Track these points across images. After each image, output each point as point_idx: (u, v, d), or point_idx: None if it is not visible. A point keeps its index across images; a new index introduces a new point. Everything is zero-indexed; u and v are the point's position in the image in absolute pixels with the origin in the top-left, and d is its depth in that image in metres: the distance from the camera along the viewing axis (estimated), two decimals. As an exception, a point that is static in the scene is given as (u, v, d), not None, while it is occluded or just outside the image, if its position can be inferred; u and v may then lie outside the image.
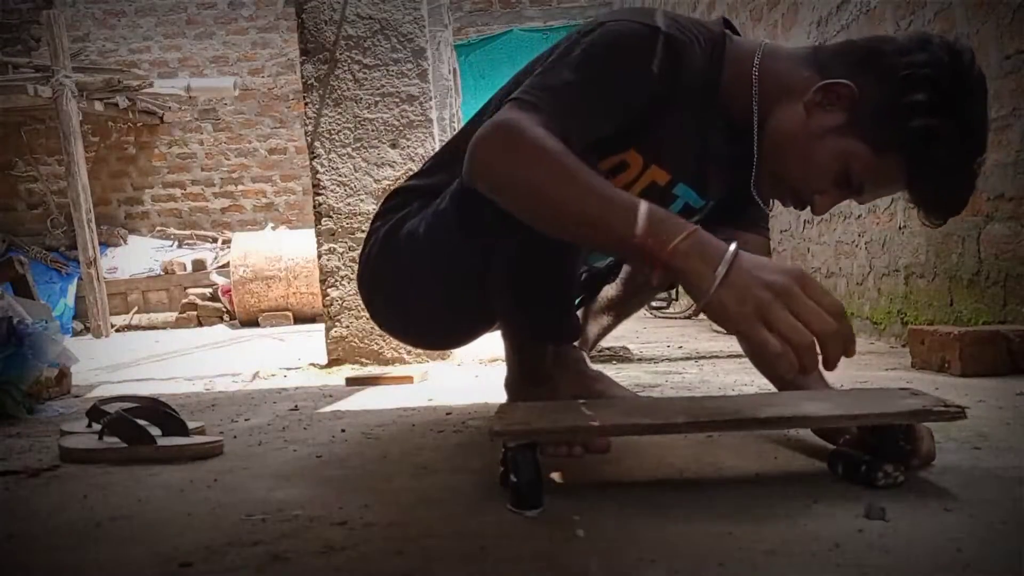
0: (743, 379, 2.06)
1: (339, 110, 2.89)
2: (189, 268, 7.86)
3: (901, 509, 0.90)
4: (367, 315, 1.59)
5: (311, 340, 4.31)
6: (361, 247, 1.52)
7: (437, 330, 1.51)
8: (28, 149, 8.57)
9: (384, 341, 2.85)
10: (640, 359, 2.72)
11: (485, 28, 8.70)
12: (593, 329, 1.70)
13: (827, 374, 1.11)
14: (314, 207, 2.93)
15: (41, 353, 2.20)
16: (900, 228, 2.74)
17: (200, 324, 7.31)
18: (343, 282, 2.89)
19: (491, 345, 1.75)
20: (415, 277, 1.38)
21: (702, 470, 1.17)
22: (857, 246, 3.10)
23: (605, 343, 2.59)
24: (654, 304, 5.17)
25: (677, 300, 5.23)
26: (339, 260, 2.90)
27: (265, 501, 1.11)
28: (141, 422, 1.46)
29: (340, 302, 2.90)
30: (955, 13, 2.35)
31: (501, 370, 1.49)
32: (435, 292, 1.37)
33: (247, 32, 8.77)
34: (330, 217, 2.91)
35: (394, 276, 1.42)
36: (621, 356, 2.71)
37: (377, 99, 2.89)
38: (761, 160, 1.24)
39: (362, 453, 1.41)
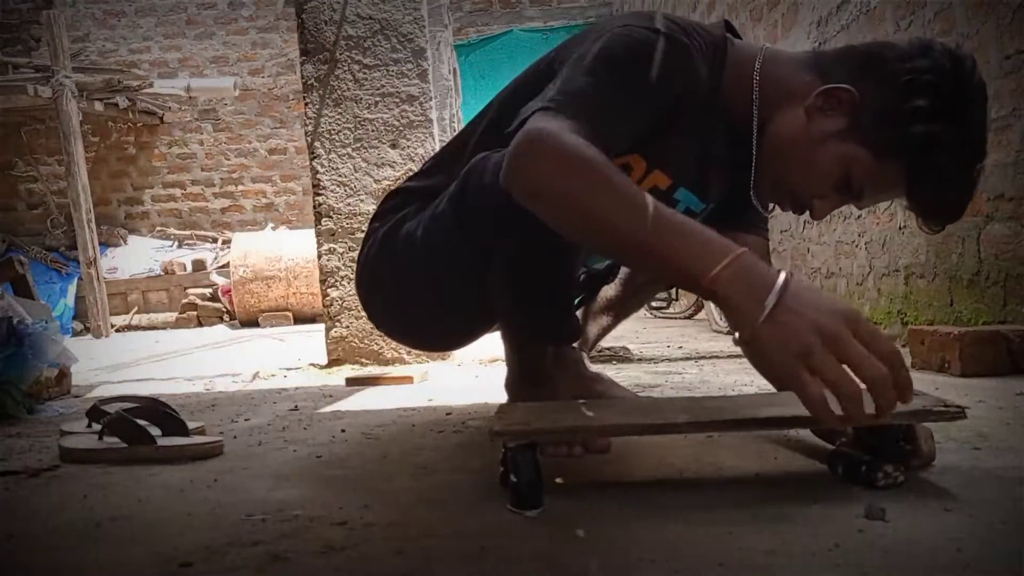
0: (743, 379, 2.06)
1: (339, 110, 2.89)
2: (189, 268, 7.86)
3: (901, 509, 0.90)
4: (367, 315, 1.59)
5: (311, 340, 4.31)
6: (359, 248, 1.52)
7: (435, 332, 1.51)
8: (28, 149, 8.57)
9: (384, 341, 2.85)
10: (640, 359, 2.72)
11: (485, 28, 8.70)
12: (593, 329, 1.70)
13: None
14: (314, 207, 2.93)
15: (41, 353, 2.20)
16: (900, 228, 2.74)
17: (200, 324, 7.31)
18: (343, 282, 2.89)
19: (491, 345, 1.75)
20: (413, 278, 1.38)
21: (702, 470, 1.17)
22: (857, 246, 3.10)
23: (605, 343, 2.59)
24: (654, 304, 5.17)
25: (677, 300, 5.23)
26: (339, 260, 2.90)
27: (265, 501, 1.11)
28: (141, 422, 1.46)
29: (340, 302, 2.91)
30: (955, 13, 2.35)
31: (501, 370, 1.49)
32: (433, 293, 1.37)
33: (247, 32, 8.77)
34: (330, 217, 2.91)
35: (392, 277, 1.42)
36: (621, 356, 2.71)
37: (377, 99, 2.89)
38: (761, 164, 1.24)
39: (362, 453, 1.41)
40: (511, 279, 1.26)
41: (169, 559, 0.88)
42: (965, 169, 1.16)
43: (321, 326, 3.10)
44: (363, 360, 2.88)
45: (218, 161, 8.80)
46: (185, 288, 7.68)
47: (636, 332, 3.89)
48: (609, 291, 1.69)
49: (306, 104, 2.92)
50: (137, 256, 8.26)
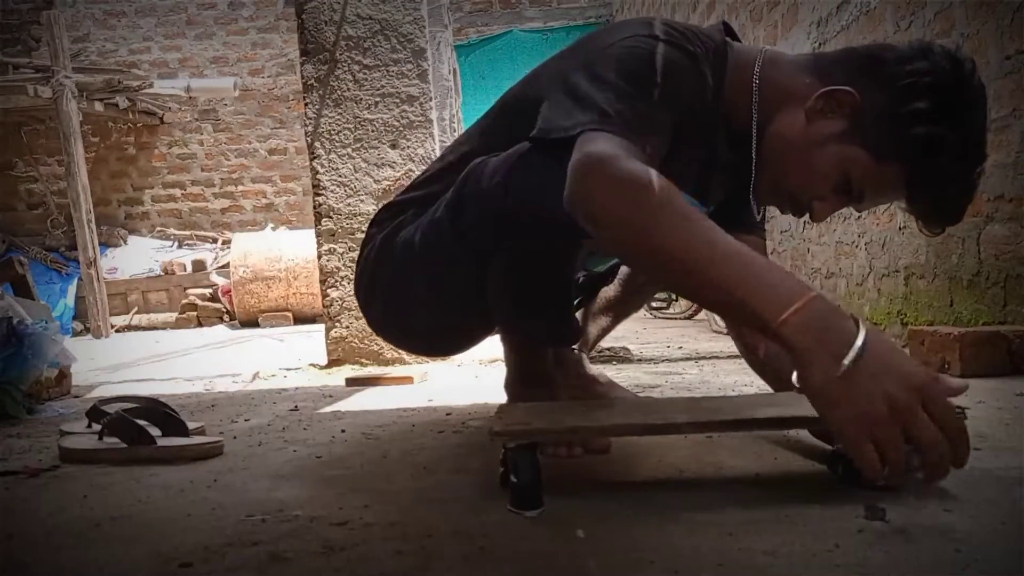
0: (743, 379, 2.06)
1: (339, 110, 2.89)
2: (189, 268, 7.86)
3: (901, 509, 0.90)
4: (365, 320, 1.59)
5: (311, 341, 4.31)
6: (358, 253, 1.52)
7: (434, 336, 1.51)
8: (28, 149, 8.57)
9: (384, 342, 2.85)
10: (640, 360, 2.72)
11: (485, 29, 8.70)
12: (592, 330, 1.70)
13: None
14: (314, 207, 2.93)
15: (41, 353, 2.20)
16: (900, 228, 2.74)
17: (200, 324, 7.31)
18: (343, 283, 2.89)
19: (491, 346, 1.75)
20: (412, 284, 1.37)
21: (702, 470, 1.17)
22: (857, 247, 3.10)
23: (605, 343, 2.59)
24: (654, 304, 5.17)
25: (677, 300, 5.23)
26: (339, 260, 2.90)
27: (265, 501, 1.11)
28: (141, 422, 1.46)
29: (340, 302, 2.91)
30: (955, 13, 2.35)
31: (501, 371, 1.49)
32: (432, 299, 1.36)
33: (247, 32, 8.77)
34: (330, 217, 2.91)
35: (390, 283, 1.41)
36: (621, 357, 2.71)
37: (377, 99, 2.90)
38: (760, 166, 1.24)
39: (362, 453, 1.41)
40: (510, 283, 1.25)
41: (169, 559, 0.88)
42: (965, 171, 1.16)
43: (321, 326, 3.10)
44: (363, 360, 2.88)
45: (218, 161, 8.81)
46: (185, 288, 7.68)
47: (636, 332, 3.89)
48: (608, 291, 1.69)
49: (306, 104, 2.92)
50: (137, 256, 8.26)
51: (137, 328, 7.42)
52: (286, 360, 3.32)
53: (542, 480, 0.99)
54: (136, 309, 7.75)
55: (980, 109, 1.16)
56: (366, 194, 2.89)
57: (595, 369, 1.63)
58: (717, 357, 2.69)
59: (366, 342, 2.88)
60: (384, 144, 2.90)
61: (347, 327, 2.90)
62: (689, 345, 3.22)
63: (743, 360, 1.47)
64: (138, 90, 7.81)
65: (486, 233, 1.21)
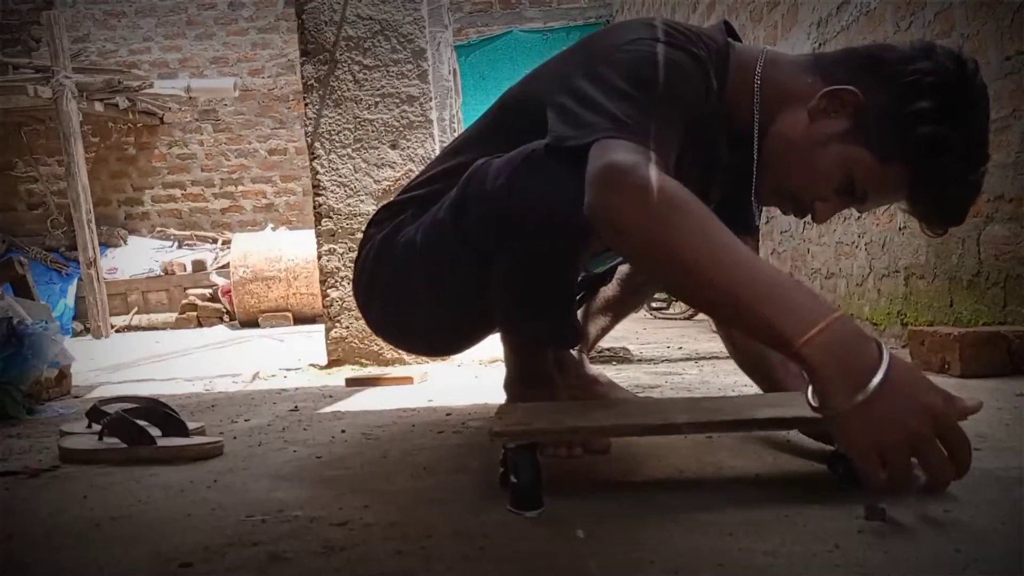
0: (743, 380, 2.05)
1: (339, 111, 2.89)
2: (189, 269, 7.86)
3: (901, 509, 0.90)
4: (365, 321, 1.58)
5: (311, 341, 4.31)
6: (357, 253, 1.52)
7: (435, 336, 1.51)
8: (28, 150, 8.57)
9: (384, 342, 2.85)
10: (640, 360, 2.72)
11: (485, 29, 8.70)
12: (592, 329, 1.70)
13: None
14: (314, 208, 2.93)
15: (41, 353, 2.20)
16: (900, 229, 2.74)
17: (200, 325, 7.31)
18: (343, 283, 2.89)
19: (491, 346, 1.75)
20: (413, 284, 1.37)
21: (702, 470, 1.17)
22: (857, 247, 3.10)
23: (605, 344, 2.59)
24: (654, 305, 5.17)
25: (677, 300, 5.23)
26: (339, 261, 2.90)
27: (265, 502, 1.11)
28: (141, 422, 1.46)
29: (340, 303, 2.91)
30: (955, 14, 2.35)
31: (501, 371, 1.49)
32: (433, 299, 1.36)
33: (247, 33, 8.77)
34: (330, 218, 2.91)
35: (391, 284, 1.41)
36: (621, 357, 2.71)
37: (377, 100, 2.90)
38: (762, 167, 1.24)
39: (362, 454, 1.41)
40: (513, 285, 1.24)
41: (169, 559, 0.88)
42: (969, 171, 1.15)
43: (321, 327, 3.10)
44: (363, 361, 2.88)
45: (218, 162, 8.81)
46: (185, 289, 7.68)
47: (636, 333, 3.89)
48: (607, 291, 1.69)
49: (306, 104, 2.92)
50: (137, 256, 8.26)
51: (137, 328, 7.42)
52: (286, 360, 3.32)
53: (542, 480, 0.99)
54: (136, 309, 7.75)
55: (983, 109, 1.16)
56: (366, 194, 2.89)
57: (595, 369, 1.63)
58: (717, 357, 2.69)
59: (366, 342, 2.88)
60: (384, 144, 2.90)
61: (347, 327, 2.90)
62: (689, 345, 3.22)
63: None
64: (138, 90, 7.81)
65: (489, 234, 1.21)
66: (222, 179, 8.81)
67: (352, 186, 2.90)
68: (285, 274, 6.69)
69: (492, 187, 1.18)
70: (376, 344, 2.87)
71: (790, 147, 1.20)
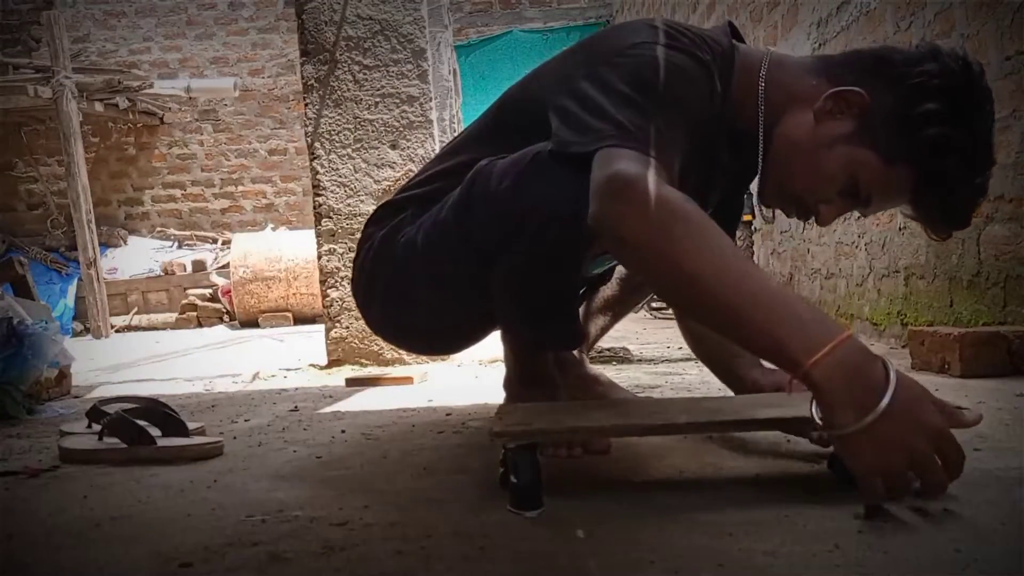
0: (743, 380, 2.06)
1: (339, 111, 2.89)
2: (189, 269, 7.86)
3: (901, 509, 0.90)
4: (364, 320, 1.58)
5: (311, 341, 4.31)
6: (355, 253, 1.51)
7: (434, 336, 1.50)
8: (28, 150, 8.57)
9: (384, 342, 2.85)
10: (640, 360, 2.72)
11: (485, 29, 8.70)
12: (592, 329, 1.70)
13: None
14: (314, 208, 2.93)
15: (41, 353, 2.20)
16: (900, 229, 2.75)
17: (200, 325, 7.31)
18: (343, 283, 2.89)
19: (491, 346, 1.75)
20: (412, 284, 1.36)
21: (702, 470, 1.17)
22: (857, 247, 3.10)
23: (605, 344, 2.59)
24: (654, 305, 5.17)
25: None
26: (339, 261, 2.90)
27: (265, 502, 1.11)
28: (141, 423, 1.46)
29: (340, 303, 2.91)
30: (955, 14, 2.35)
31: (501, 371, 1.49)
32: (434, 299, 1.35)
33: (247, 33, 8.77)
34: (330, 218, 2.91)
35: (391, 283, 1.40)
36: (621, 357, 2.71)
37: (377, 100, 2.90)
38: (766, 169, 1.23)
39: (362, 454, 1.41)
40: (515, 286, 1.24)
41: (169, 559, 0.88)
42: (975, 174, 1.15)
43: (321, 327, 3.10)
44: (363, 361, 2.88)
45: (218, 162, 8.81)
46: (185, 289, 7.68)
47: (636, 333, 3.89)
48: (607, 290, 1.68)
49: (306, 105, 2.92)
50: (137, 257, 8.26)
51: (137, 328, 7.42)
52: (286, 360, 3.32)
53: (542, 480, 0.99)
54: (136, 309, 7.75)
55: (989, 112, 1.16)
56: (366, 194, 2.89)
57: (595, 370, 1.62)
58: (717, 357, 2.68)
59: (366, 342, 2.88)
60: (384, 144, 2.90)
61: (347, 327, 2.90)
62: (689, 345, 3.21)
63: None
64: (138, 90, 7.81)
65: (493, 235, 1.20)
66: (222, 179, 8.81)
67: (352, 186, 2.90)
68: (285, 274, 6.69)
69: (497, 188, 1.17)
70: (376, 344, 2.87)
71: (795, 148, 1.19)
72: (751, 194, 1.36)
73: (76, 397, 2.46)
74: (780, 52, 1.29)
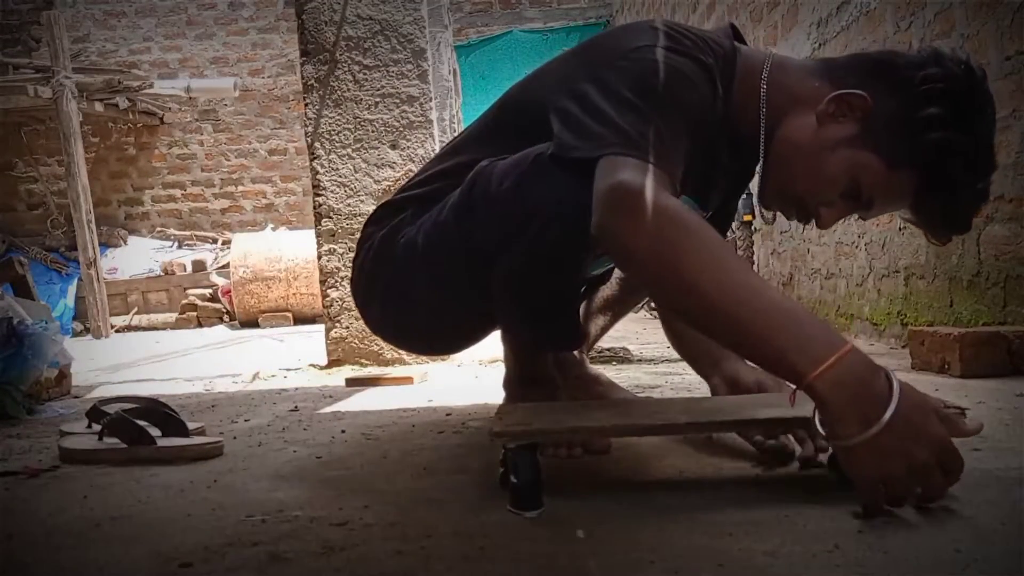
0: (743, 380, 2.06)
1: (339, 111, 2.89)
2: (189, 269, 7.86)
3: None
4: (363, 320, 1.58)
5: (311, 341, 4.31)
6: (355, 253, 1.51)
7: (434, 336, 1.50)
8: (28, 150, 8.57)
9: (383, 342, 2.85)
10: (640, 360, 2.72)
11: (485, 29, 8.70)
12: (591, 329, 1.70)
13: None
14: (314, 208, 2.93)
15: (41, 353, 2.20)
16: (900, 229, 2.75)
17: (200, 325, 7.31)
18: (343, 283, 2.89)
19: (491, 346, 1.75)
20: (413, 284, 1.36)
21: (702, 470, 1.17)
22: (857, 247, 3.10)
23: (605, 344, 2.59)
24: (654, 304, 5.16)
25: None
26: (339, 261, 2.90)
27: (265, 502, 1.11)
28: (141, 423, 1.46)
29: (340, 303, 2.91)
30: (955, 14, 2.35)
31: (501, 371, 1.49)
32: (434, 299, 1.35)
33: (247, 33, 8.78)
34: (330, 218, 2.91)
35: (391, 283, 1.40)
36: (621, 357, 2.71)
37: (377, 100, 2.90)
38: (767, 171, 1.23)
39: (362, 454, 1.41)
40: (516, 287, 1.23)
41: (169, 559, 0.88)
42: (977, 178, 1.15)
43: (321, 327, 3.10)
44: (363, 361, 2.88)
45: (218, 162, 8.81)
46: (185, 289, 7.68)
47: (636, 333, 3.89)
48: (606, 290, 1.68)
49: (306, 105, 2.92)
50: (137, 257, 8.26)
51: (137, 328, 7.42)
52: (286, 360, 3.32)
53: (542, 480, 0.99)
54: (136, 309, 7.75)
55: (991, 116, 1.16)
56: (366, 194, 2.89)
57: (595, 370, 1.62)
58: (717, 357, 2.68)
59: (366, 342, 2.88)
60: (384, 144, 2.90)
61: (347, 327, 2.90)
62: (689, 345, 3.21)
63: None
64: (138, 90, 7.81)
65: (494, 236, 1.20)
66: (222, 179, 8.82)
67: (352, 186, 2.90)
68: (285, 274, 6.69)
69: (498, 190, 1.17)
70: (376, 344, 2.87)
71: (797, 150, 1.19)
72: (751, 194, 1.36)
73: (76, 397, 2.46)
74: (782, 54, 1.29)
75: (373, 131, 2.90)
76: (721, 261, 0.95)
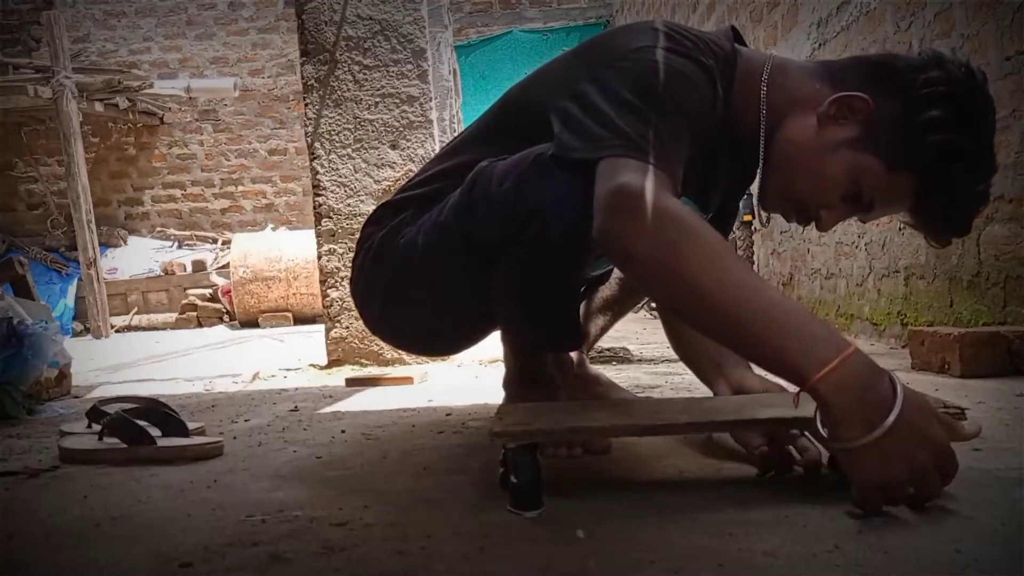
0: (743, 380, 2.06)
1: (339, 111, 2.89)
2: (189, 269, 7.86)
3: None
4: (363, 321, 1.58)
5: (311, 341, 4.31)
6: (354, 253, 1.51)
7: (434, 337, 1.50)
8: (28, 150, 8.57)
9: (383, 342, 2.85)
10: (640, 360, 2.72)
11: (485, 29, 8.70)
12: (591, 329, 1.70)
13: None
14: (314, 208, 2.93)
15: (41, 353, 2.20)
16: (900, 229, 2.74)
17: (200, 325, 7.31)
18: (343, 283, 2.89)
19: (491, 346, 1.75)
20: (412, 284, 1.36)
21: (702, 470, 1.17)
22: (857, 247, 3.10)
23: (605, 344, 2.59)
24: (654, 304, 5.16)
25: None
26: (339, 261, 2.90)
27: (265, 502, 1.11)
28: (141, 423, 1.46)
29: (340, 303, 2.91)
30: (955, 14, 2.35)
31: (501, 371, 1.49)
32: (434, 300, 1.35)
33: (247, 33, 8.78)
34: (330, 218, 2.91)
35: (391, 284, 1.40)
36: (621, 357, 2.71)
37: (377, 100, 2.90)
38: (767, 173, 1.23)
39: (362, 454, 1.41)
40: (517, 288, 1.23)
41: (169, 559, 0.88)
42: (978, 182, 1.15)
43: (321, 327, 3.10)
44: (363, 361, 2.88)
45: (218, 162, 8.81)
46: (185, 289, 7.68)
47: (636, 333, 3.89)
48: (606, 290, 1.68)
49: (306, 105, 2.92)
50: (137, 257, 8.26)
51: (137, 328, 7.42)
52: (286, 360, 3.32)
53: (542, 480, 0.99)
54: (136, 309, 7.75)
55: (992, 119, 1.16)
56: (366, 194, 2.89)
57: (595, 370, 1.63)
58: (717, 357, 2.68)
59: (366, 342, 2.88)
60: (384, 144, 2.90)
61: (347, 327, 2.90)
62: (689, 345, 3.21)
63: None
64: (138, 90, 7.81)
65: (494, 236, 1.19)
66: (222, 179, 8.82)
67: (352, 186, 2.90)
68: (285, 274, 6.69)
69: (498, 190, 1.17)
70: (376, 344, 2.87)
71: (798, 152, 1.19)
72: (752, 194, 1.36)
73: (76, 397, 2.46)
74: (782, 56, 1.29)
75: (373, 131, 2.90)
76: (722, 262, 0.96)
